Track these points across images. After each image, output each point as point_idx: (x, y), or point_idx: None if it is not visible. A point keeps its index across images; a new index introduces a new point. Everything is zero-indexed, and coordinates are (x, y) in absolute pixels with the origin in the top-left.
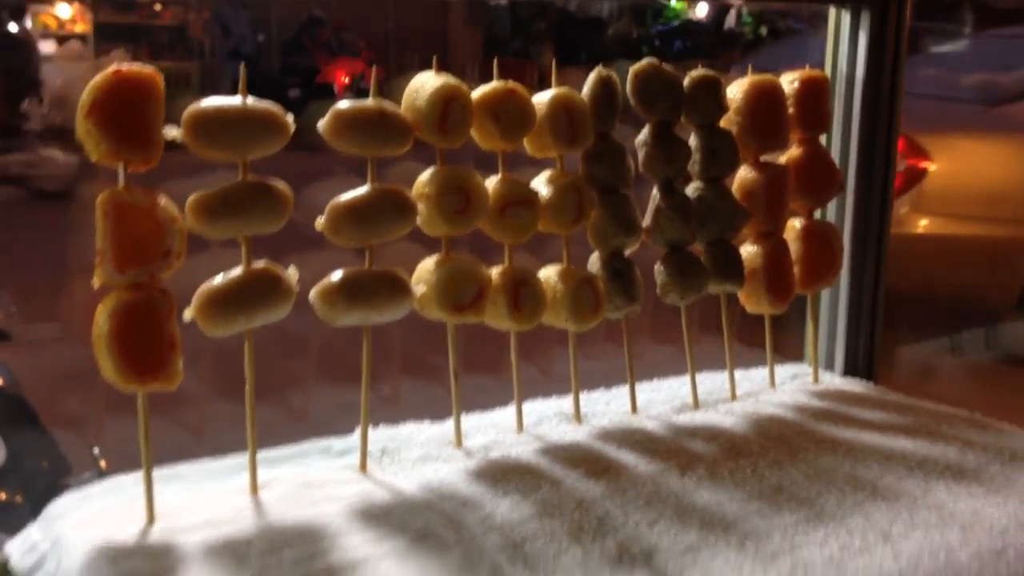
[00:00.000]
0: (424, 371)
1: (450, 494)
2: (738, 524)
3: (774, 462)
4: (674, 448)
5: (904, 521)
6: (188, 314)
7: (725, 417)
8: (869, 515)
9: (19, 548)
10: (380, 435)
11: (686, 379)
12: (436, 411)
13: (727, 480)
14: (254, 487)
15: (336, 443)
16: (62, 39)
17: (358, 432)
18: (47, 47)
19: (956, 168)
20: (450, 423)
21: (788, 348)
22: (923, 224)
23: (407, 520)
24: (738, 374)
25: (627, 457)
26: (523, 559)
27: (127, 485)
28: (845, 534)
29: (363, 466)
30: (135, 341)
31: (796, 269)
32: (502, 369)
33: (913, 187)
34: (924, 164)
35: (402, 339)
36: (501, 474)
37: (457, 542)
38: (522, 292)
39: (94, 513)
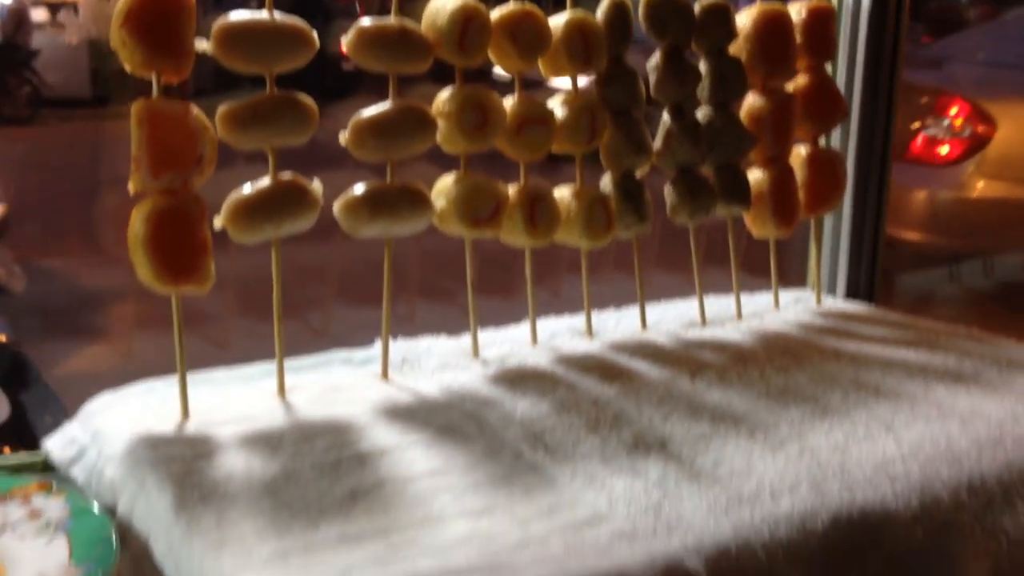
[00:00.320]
0: (438, 294)
1: (470, 396)
2: (747, 418)
3: (780, 368)
4: (684, 357)
5: (906, 414)
6: (218, 222)
7: (732, 332)
8: (872, 410)
9: (58, 443)
10: (399, 347)
11: (694, 301)
12: (451, 329)
13: (735, 383)
14: (282, 389)
15: (357, 354)
16: (54, 7)
17: (379, 343)
18: (39, 15)
19: (1021, 134)
20: (467, 337)
21: (791, 278)
22: (980, 186)
23: (430, 417)
24: (743, 298)
25: (639, 365)
26: (544, 447)
27: (159, 387)
28: (849, 425)
29: (384, 373)
30: (169, 244)
31: (801, 194)
32: (514, 293)
33: (977, 152)
34: (989, 130)
35: (417, 266)
36: (518, 379)
37: (480, 434)
38: (537, 208)
39: (130, 410)
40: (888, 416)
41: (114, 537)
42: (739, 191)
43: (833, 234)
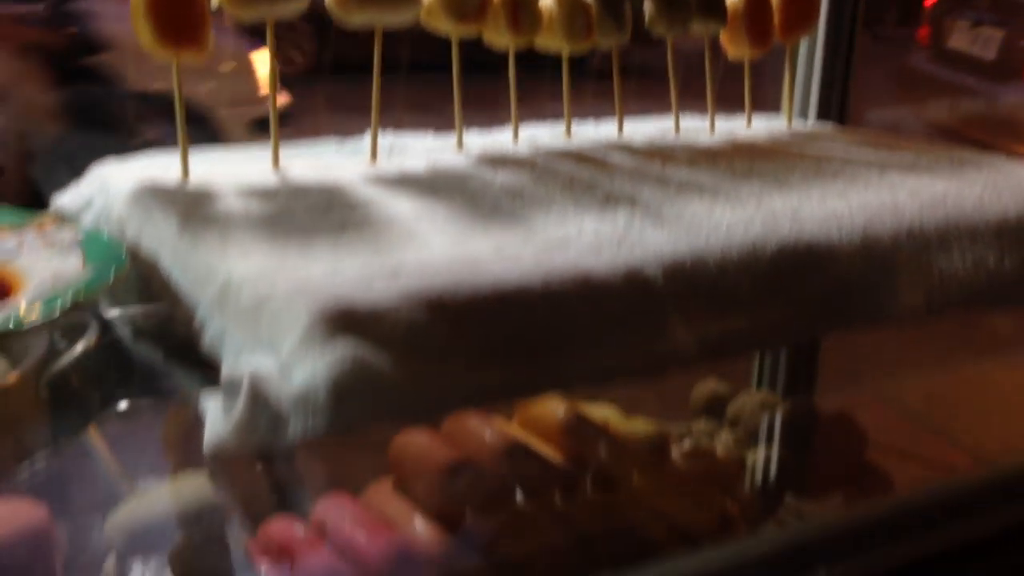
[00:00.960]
0: (424, 110)
1: (453, 171)
2: (712, 187)
3: (746, 161)
4: (656, 152)
5: (859, 189)
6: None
7: (704, 139)
8: (828, 185)
9: (66, 198)
10: (387, 139)
11: (669, 117)
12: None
13: (703, 168)
14: (276, 162)
15: (348, 144)
16: None
17: (368, 135)
18: None
19: None
20: (452, 136)
21: (765, 110)
22: None
23: (415, 183)
24: (718, 120)
25: (613, 156)
26: (521, 200)
27: (160, 157)
28: (806, 195)
29: (373, 157)
30: (168, 11)
31: (776, 18)
32: (498, 109)
33: None
34: None
35: (404, 86)
36: (499, 161)
37: (461, 194)
38: (521, 11)
39: (134, 170)
40: (843, 188)
41: (124, 250)
42: (715, 8)
43: (806, 61)
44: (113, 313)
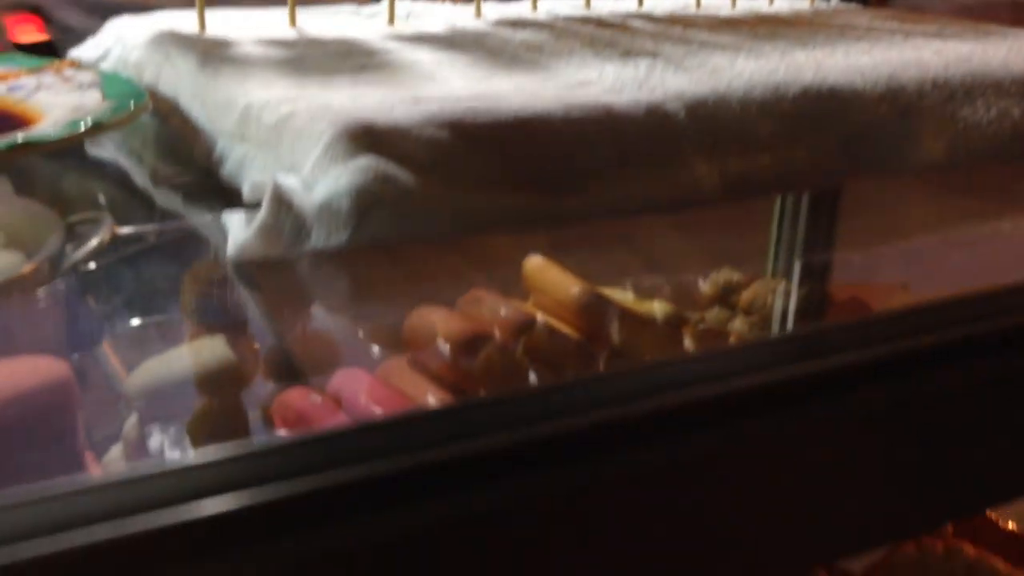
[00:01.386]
0: None
1: (472, 32)
2: (734, 45)
3: (769, 27)
4: (676, 20)
5: (884, 47)
6: None
7: (725, 12)
8: (853, 44)
9: (83, 49)
10: (405, 5)
11: None
12: None
13: (725, 33)
14: (292, 21)
15: (365, 8)
16: None
17: (385, 1)
18: None
19: None
20: (470, 7)
21: None
22: None
23: (435, 39)
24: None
25: (634, 21)
26: (540, 51)
27: (175, 14)
28: (830, 50)
29: (391, 21)
30: None
31: None
32: None
33: None
34: None
35: None
36: (519, 24)
37: (480, 47)
38: None
39: (151, 23)
40: (867, 47)
41: (143, 89)
42: None
43: None
44: (126, 230)
